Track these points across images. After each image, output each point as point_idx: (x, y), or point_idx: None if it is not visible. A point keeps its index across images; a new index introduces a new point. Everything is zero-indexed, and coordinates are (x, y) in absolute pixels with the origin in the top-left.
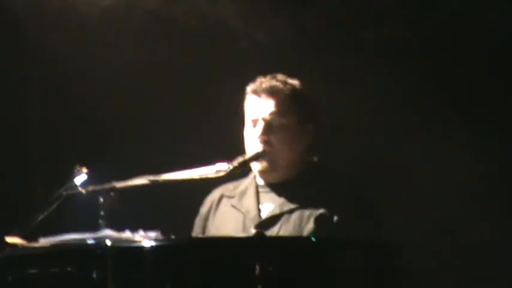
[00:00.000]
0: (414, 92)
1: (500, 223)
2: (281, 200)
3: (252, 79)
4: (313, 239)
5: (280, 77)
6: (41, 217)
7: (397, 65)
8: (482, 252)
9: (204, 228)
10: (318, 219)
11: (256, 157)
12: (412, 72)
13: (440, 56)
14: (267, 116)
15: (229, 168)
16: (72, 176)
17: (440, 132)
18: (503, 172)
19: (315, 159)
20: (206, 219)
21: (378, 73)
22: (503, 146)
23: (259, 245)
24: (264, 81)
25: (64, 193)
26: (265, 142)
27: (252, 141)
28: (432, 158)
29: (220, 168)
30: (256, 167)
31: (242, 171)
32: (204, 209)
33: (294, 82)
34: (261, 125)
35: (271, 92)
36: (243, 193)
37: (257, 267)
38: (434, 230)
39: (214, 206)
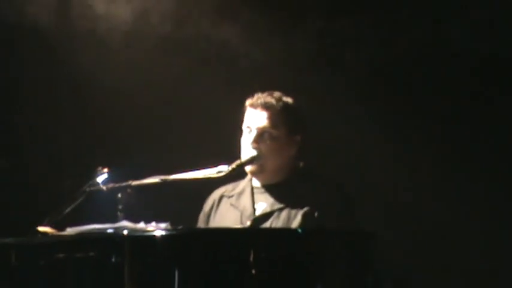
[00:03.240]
0: (398, 110)
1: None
2: (272, 199)
3: (250, 93)
4: (299, 230)
5: (276, 94)
6: (68, 210)
7: (377, 84)
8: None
9: (206, 224)
10: (304, 215)
11: (251, 160)
12: (392, 90)
13: (412, 76)
14: (259, 126)
15: (228, 169)
16: (95, 175)
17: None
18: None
19: (301, 164)
20: (208, 216)
21: (360, 92)
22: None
23: (253, 234)
24: (260, 97)
25: (88, 190)
26: (256, 148)
27: (246, 147)
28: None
29: (221, 169)
30: (248, 169)
31: (238, 172)
32: (206, 207)
33: (287, 99)
34: (253, 133)
35: (266, 106)
36: (241, 193)
37: (251, 254)
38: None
39: (215, 205)
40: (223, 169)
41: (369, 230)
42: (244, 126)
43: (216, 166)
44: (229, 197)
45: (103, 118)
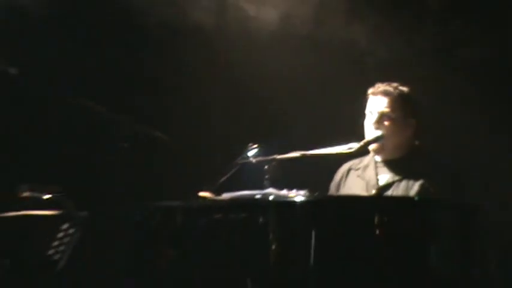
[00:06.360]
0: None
1: None
2: (392, 172)
3: (373, 84)
4: (416, 198)
5: (393, 84)
6: (224, 179)
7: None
8: None
9: (337, 192)
10: (420, 186)
11: (375, 140)
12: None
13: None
14: (380, 110)
15: (357, 146)
16: (246, 150)
17: None
18: None
19: (417, 143)
20: (339, 185)
21: (471, 87)
22: None
23: (378, 201)
24: (381, 86)
25: (240, 162)
26: (378, 129)
27: (369, 129)
28: None
29: (351, 146)
30: (371, 146)
31: (364, 149)
32: (337, 177)
33: (403, 88)
34: (375, 116)
35: (385, 93)
36: (365, 167)
37: (376, 217)
38: None
39: (344, 176)
40: (353, 146)
41: (474, 203)
42: (367, 111)
43: (346, 144)
44: (356, 169)
45: (253, 103)
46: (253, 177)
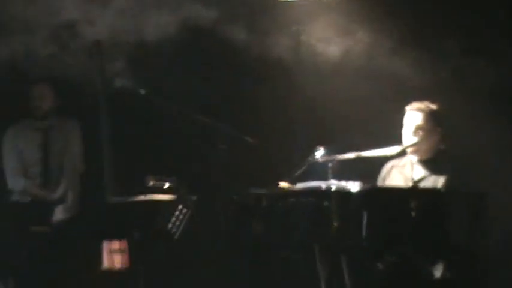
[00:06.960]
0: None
1: None
2: (424, 169)
3: (410, 102)
4: (442, 190)
5: (426, 102)
6: (298, 173)
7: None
8: None
9: (383, 184)
10: (445, 181)
11: (413, 144)
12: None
13: None
14: (416, 122)
15: (399, 150)
16: (314, 151)
17: None
18: None
19: (443, 147)
20: (384, 179)
21: (482, 107)
22: None
23: (414, 191)
24: (416, 104)
25: (310, 160)
26: (414, 136)
27: (407, 136)
28: None
29: (395, 149)
30: (409, 149)
31: (404, 152)
32: (382, 173)
33: (433, 106)
34: (412, 127)
35: (420, 109)
36: (404, 165)
37: (412, 203)
38: None
39: (388, 172)
40: (395, 149)
41: (483, 192)
42: (405, 123)
43: (390, 147)
44: (397, 167)
45: (320, 117)
46: (320, 171)
